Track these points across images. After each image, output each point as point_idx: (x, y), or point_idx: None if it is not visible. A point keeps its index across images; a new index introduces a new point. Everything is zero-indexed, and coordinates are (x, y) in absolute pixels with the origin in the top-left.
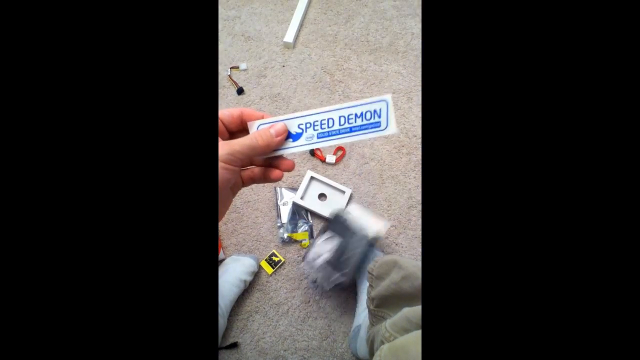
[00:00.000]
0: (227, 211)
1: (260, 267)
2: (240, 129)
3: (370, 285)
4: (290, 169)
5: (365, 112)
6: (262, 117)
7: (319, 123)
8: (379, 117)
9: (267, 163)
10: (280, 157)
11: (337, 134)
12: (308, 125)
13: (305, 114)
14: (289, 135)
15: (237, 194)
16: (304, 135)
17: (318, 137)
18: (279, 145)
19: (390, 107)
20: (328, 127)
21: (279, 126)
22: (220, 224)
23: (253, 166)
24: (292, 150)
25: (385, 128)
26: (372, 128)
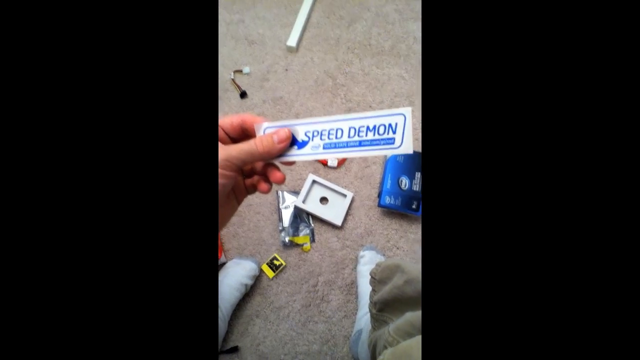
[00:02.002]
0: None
1: (261, 270)
2: (241, 137)
3: (373, 290)
4: (279, 181)
5: (379, 126)
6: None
7: (326, 132)
8: (394, 132)
9: (262, 171)
10: (273, 166)
11: (344, 147)
12: (315, 133)
13: (313, 121)
14: (294, 142)
15: None
16: (310, 144)
17: (324, 148)
18: (281, 152)
19: (408, 123)
20: (336, 137)
21: (282, 133)
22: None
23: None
24: (295, 158)
25: (399, 146)
26: (383, 144)
